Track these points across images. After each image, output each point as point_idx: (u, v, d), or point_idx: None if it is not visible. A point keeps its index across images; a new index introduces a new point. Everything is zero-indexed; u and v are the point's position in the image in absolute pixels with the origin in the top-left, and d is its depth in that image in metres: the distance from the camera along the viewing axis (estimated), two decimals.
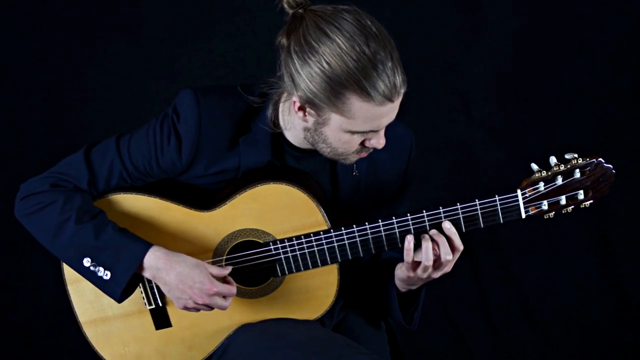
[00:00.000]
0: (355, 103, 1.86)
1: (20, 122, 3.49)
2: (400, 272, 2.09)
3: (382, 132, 1.97)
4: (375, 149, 2.01)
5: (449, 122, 3.60)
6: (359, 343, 2.14)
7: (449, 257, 2.00)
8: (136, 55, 3.48)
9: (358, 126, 1.91)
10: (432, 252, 1.99)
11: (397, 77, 1.85)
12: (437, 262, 2.01)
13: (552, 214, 2.08)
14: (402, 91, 1.89)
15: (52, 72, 3.45)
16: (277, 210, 2.06)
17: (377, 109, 1.87)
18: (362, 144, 1.98)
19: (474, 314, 3.62)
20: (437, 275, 2.04)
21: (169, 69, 3.48)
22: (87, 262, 2.01)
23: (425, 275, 2.02)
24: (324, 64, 1.83)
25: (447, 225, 2.01)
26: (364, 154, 2.02)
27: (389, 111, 1.90)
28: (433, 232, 2.01)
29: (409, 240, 2.00)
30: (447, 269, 2.03)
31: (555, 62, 3.53)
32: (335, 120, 1.91)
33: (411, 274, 2.04)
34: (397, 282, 2.13)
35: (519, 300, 3.61)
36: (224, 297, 2.03)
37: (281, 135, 2.09)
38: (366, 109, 1.86)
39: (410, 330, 2.25)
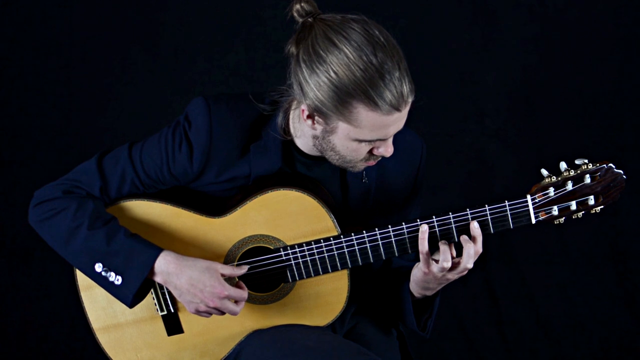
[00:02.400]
0: (363, 112, 1.87)
1: (35, 131, 3.53)
2: (417, 270, 2.07)
3: (390, 141, 1.97)
4: (384, 157, 2.02)
5: (463, 131, 3.61)
6: (370, 350, 2.14)
7: (469, 266, 1.99)
8: (152, 63, 3.52)
9: (365, 135, 1.91)
10: (450, 255, 1.99)
11: (405, 87, 1.86)
12: (455, 266, 2.01)
13: (562, 220, 2.07)
14: (410, 100, 1.89)
15: (68, 81, 3.50)
16: (288, 216, 2.07)
17: (384, 118, 1.88)
18: (370, 152, 1.99)
19: (487, 323, 3.60)
20: (453, 277, 2.03)
21: (184, 77, 3.51)
22: (99, 267, 2.03)
23: (440, 275, 2.01)
24: (332, 74, 1.84)
25: (474, 226, 2.00)
26: (372, 162, 2.03)
27: (396, 120, 1.90)
28: (463, 237, 2.00)
29: (424, 230, 2.00)
30: (464, 272, 2.03)
31: (568, 72, 3.53)
32: (342, 128, 1.92)
33: (426, 270, 2.02)
34: (413, 286, 2.13)
35: (532, 310, 3.58)
36: (236, 302, 2.04)
37: (292, 143, 2.10)
38: (373, 118, 1.87)
39: (424, 338, 2.24)
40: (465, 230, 2.02)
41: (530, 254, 3.58)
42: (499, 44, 3.53)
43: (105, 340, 2.19)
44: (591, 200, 2.04)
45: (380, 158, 2.03)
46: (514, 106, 3.59)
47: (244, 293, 2.04)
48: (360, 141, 1.93)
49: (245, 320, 2.15)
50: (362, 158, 2.00)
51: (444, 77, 3.52)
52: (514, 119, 3.59)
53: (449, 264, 1.99)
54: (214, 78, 3.52)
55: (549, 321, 3.57)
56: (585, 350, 3.52)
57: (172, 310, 2.16)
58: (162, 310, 2.16)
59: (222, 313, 2.05)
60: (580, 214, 2.07)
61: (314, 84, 1.87)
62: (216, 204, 2.13)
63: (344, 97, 1.85)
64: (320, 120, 1.94)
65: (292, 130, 2.08)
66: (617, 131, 3.54)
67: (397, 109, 1.87)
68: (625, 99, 3.51)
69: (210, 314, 2.05)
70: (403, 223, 2.04)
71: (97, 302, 2.17)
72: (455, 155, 3.60)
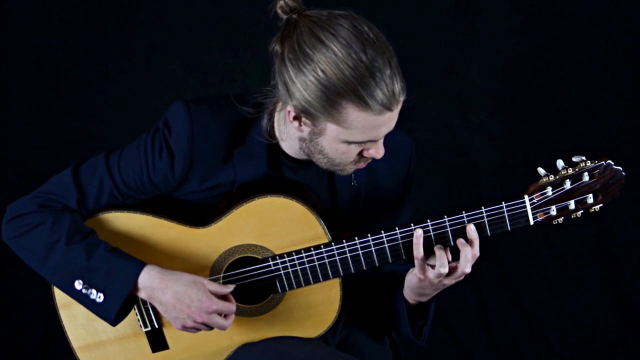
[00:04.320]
0: (352, 113, 1.78)
1: (5, 141, 3.44)
2: (412, 276, 2.00)
3: (380, 142, 1.90)
4: (375, 159, 1.94)
5: (446, 126, 3.56)
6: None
7: (467, 270, 1.92)
8: (129, 66, 3.45)
9: (355, 136, 1.84)
10: (446, 260, 1.91)
11: (396, 85, 1.78)
12: (452, 271, 1.93)
13: (561, 220, 2.00)
14: (402, 99, 1.82)
15: (41, 87, 3.42)
16: (276, 224, 1.99)
17: (375, 119, 1.80)
18: (360, 154, 1.91)
19: (473, 322, 3.57)
20: (450, 282, 1.96)
21: (163, 79, 3.45)
22: (78, 284, 1.94)
23: (437, 281, 1.94)
24: (319, 73, 1.76)
25: (471, 229, 1.93)
26: (361, 165, 1.96)
27: (388, 120, 1.83)
28: (460, 241, 1.93)
29: (418, 235, 1.92)
30: (461, 277, 1.95)
31: (553, 64, 3.49)
32: (331, 130, 1.84)
33: (422, 277, 1.94)
34: (407, 292, 2.05)
35: (519, 308, 3.56)
36: (225, 316, 1.95)
37: (277, 147, 2.02)
38: (364, 119, 1.79)
39: (419, 345, 2.17)
40: (461, 233, 1.95)
41: (516, 252, 3.54)
42: (482, 36, 3.49)
43: (86, 359, 2.10)
44: (590, 199, 1.98)
45: (370, 160, 1.95)
46: (498, 100, 3.55)
47: (232, 306, 1.96)
48: (350, 143, 1.86)
49: (233, 334, 2.07)
50: (351, 160, 1.92)
51: (426, 71, 3.46)
52: (497, 113, 3.56)
53: (446, 269, 1.91)
54: (195, 80, 3.45)
55: (537, 319, 3.54)
56: (573, 348, 3.50)
57: (157, 326, 2.08)
58: (145, 326, 2.08)
59: (210, 328, 1.97)
60: (579, 214, 2.01)
61: (300, 84, 1.79)
62: (200, 213, 2.05)
63: (333, 97, 1.77)
64: (308, 121, 1.86)
65: (277, 134, 2.00)
66: (603, 125, 3.50)
67: (389, 108, 1.79)
68: (611, 92, 3.48)
69: (198, 329, 1.97)
70: (396, 228, 1.96)
71: (76, 320, 2.09)
72: (439, 150, 3.55)
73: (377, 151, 1.90)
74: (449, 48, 3.50)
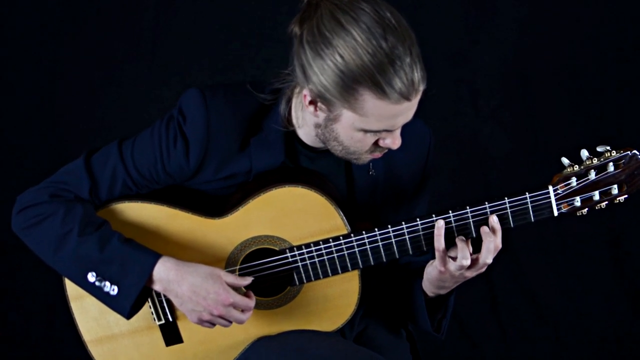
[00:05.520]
0: (369, 100, 1.73)
1: (15, 128, 3.39)
2: (432, 268, 1.95)
3: (397, 132, 1.84)
4: (391, 149, 1.89)
5: (456, 114, 3.51)
6: (381, 353, 2.03)
7: (489, 261, 1.87)
8: (139, 53, 3.40)
9: (371, 125, 1.78)
10: (468, 252, 1.86)
11: (416, 74, 1.72)
12: (474, 263, 1.88)
13: (585, 211, 1.96)
14: (421, 88, 1.76)
15: (51, 74, 3.37)
16: (293, 215, 1.94)
17: (392, 108, 1.74)
18: (376, 143, 1.86)
19: (484, 312, 3.53)
20: (471, 274, 1.91)
21: (181, 72, 3.39)
22: (92, 277, 1.89)
23: (458, 273, 1.89)
24: (337, 58, 1.71)
25: (493, 220, 1.88)
26: (377, 155, 1.91)
27: (405, 110, 1.77)
28: (484, 229, 1.88)
29: (440, 226, 1.88)
30: (483, 269, 1.91)
31: (564, 52, 3.44)
32: (347, 117, 1.79)
33: (442, 269, 1.90)
34: (426, 285, 2.01)
35: (530, 299, 3.51)
36: (242, 310, 1.90)
37: (294, 135, 1.97)
38: (380, 107, 1.74)
39: (438, 339, 2.13)
40: (483, 224, 1.90)
41: (527, 242, 3.49)
42: (493, 23, 3.43)
43: (98, 353, 2.06)
44: (615, 190, 1.94)
45: (386, 150, 1.90)
46: (509, 87, 3.49)
47: (250, 302, 1.92)
48: (366, 131, 1.81)
49: (249, 327, 2.02)
50: (367, 149, 1.87)
51: (436, 58, 3.41)
52: (508, 101, 3.50)
53: (468, 261, 1.87)
54: (214, 75, 3.39)
55: (547, 310, 3.50)
56: (583, 340, 3.46)
57: (170, 319, 2.03)
58: (159, 319, 2.03)
59: (227, 322, 1.91)
60: (603, 205, 1.97)
61: (317, 68, 1.74)
62: (215, 204, 2.00)
63: (350, 84, 1.72)
64: (324, 107, 1.81)
65: (294, 120, 1.95)
66: (615, 113, 3.45)
67: (407, 98, 1.73)
68: (627, 79, 3.42)
69: (214, 323, 1.92)
70: (417, 219, 1.91)
71: (88, 313, 2.04)
72: (449, 138, 3.49)
73: (394, 141, 1.85)
74: (459, 35, 3.45)
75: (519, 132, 3.50)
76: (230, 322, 1.92)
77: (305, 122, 1.92)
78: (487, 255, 1.87)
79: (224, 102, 1.93)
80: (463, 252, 1.86)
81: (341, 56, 1.70)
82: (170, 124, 1.94)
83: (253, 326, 2.02)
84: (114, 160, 1.95)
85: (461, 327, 3.50)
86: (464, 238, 1.89)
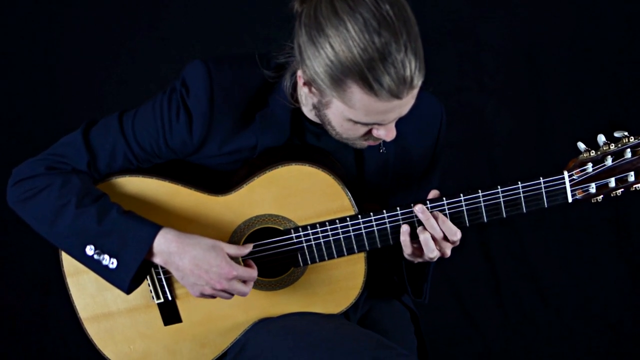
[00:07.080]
0: (357, 94, 1.66)
1: (11, 98, 3.31)
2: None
3: (391, 125, 1.78)
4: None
5: (460, 90, 3.44)
6: (386, 336, 1.99)
7: (455, 238, 1.85)
8: (138, 24, 3.31)
9: (360, 117, 1.72)
10: (432, 243, 1.84)
11: (408, 72, 1.63)
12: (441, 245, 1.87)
13: (600, 198, 1.91)
14: (416, 84, 1.67)
15: (50, 44, 3.29)
16: (299, 194, 1.88)
17: (380, 104, 1.67)
18: (370, 132, 1.79)
19: (485, 294, 3.49)
20: (447, 253, 1.89)
21: (182, 50, 3.31)
22: (90, 250, 1.83)
23: (433, 255, 1.87)
24: (328, 47, 1.64)
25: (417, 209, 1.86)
26: (371, 143, 1.85)
27: (396, 107, 1.70)
28: (419, 229, 1.86)
29: (404, 231, 1.85)
30: (456, 243, 1.89)
31: (572, 29, 3.36)
32: (336, 105, 1.73)
33: (418, 260, 1.91)
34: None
35: (531, 280, 3.48)
36: (244, 281, 1.85)
37: (299, 111, 1.91)
38: (368, 103, 1.67)
39: (422, 303, 2.15)
40: (494, 210, 1.86)
41: (529, 223, 3.45)
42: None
43: (94, 331, 2.00)
44: (631, 177, 1.89)
45: (380, 141, 1.85)
46: (514, 64, 3.42)
47: (253, 272, 1.87)
48: (355, 122, 1.74)
49: (250, 309, 1.97)
50: (359, 137, 1.81)
51: (440, 33, 3.34)
52: (513, 78, 3.43)
53: (434, 254, 1.86)
54: (208, 40, 3.30)
55: (549, 291, 3.47)
56: (585, 320, 3.44)
57: (170, 298, 1.97)
58: (158, 297, 1.98)
59: (230, 295, 1.86)
60: (619, 192, 1.91)
61: (310, 54, 1.68)
62: (219, 180, 1.94)
63: (339, 75, 1.65)
64: (316, 91, 1.75)
65: (299, 97, 1.88)
66: (622, 90, 3.38)
67: (397, 96, 1.65)
68: (632, 58, 3.34)
69: (215, 297, 1.86)
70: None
71: (85, 289, 1.98)
72: (452, 114, 3.41)
73: (387, 134, 1.78)
74: (465, 9, 3.36)
75: (524, 109, 3.44)
76: (232, 294, 1.87)
77: (307, 100, 1.86)
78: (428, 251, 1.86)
79: (230, 74, 1.86)
80: (427, 246, 1.86)
81: (332, 46, 1.63)
82: (173, 96, 1.87)
83: (254, 307, 1.96)
84: (114, 134, 1.89)
85: (464, 310, 3.48)
86: (423, 228, 1.85)
